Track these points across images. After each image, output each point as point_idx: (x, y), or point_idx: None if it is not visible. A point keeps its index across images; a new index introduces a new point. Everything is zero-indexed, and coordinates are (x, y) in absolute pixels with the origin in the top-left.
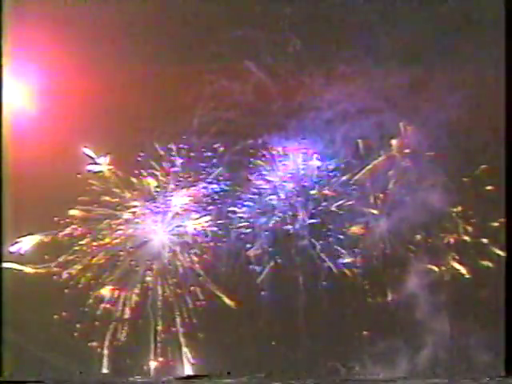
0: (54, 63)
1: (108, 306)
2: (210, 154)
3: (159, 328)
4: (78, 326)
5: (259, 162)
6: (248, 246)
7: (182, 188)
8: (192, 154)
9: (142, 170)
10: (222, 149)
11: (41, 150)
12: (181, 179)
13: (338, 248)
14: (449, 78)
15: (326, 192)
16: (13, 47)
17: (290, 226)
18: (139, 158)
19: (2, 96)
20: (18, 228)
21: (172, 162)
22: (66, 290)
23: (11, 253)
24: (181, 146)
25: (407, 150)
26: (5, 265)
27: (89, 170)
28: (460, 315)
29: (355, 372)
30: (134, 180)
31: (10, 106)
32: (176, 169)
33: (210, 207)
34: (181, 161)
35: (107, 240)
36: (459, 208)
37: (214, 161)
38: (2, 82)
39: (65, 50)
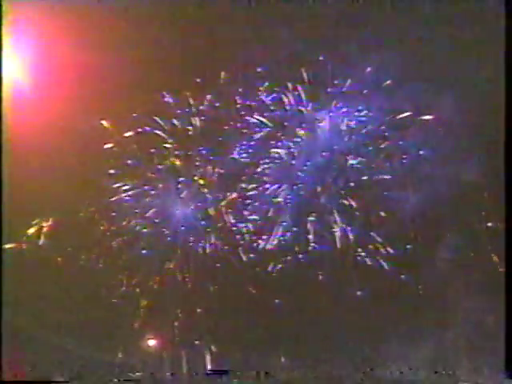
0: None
1: (126, 290)
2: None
3: (179, 314)
4: (96, 310)
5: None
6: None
7: (207, 165)
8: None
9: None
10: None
11: (56, 130)
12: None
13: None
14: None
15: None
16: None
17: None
18: (159, 132)
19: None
20: (33, 211)
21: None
22: (82, 274)
23: (28, 235)
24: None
25: (441, 128)
26: (23, 247)
27: (107, 148)
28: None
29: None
30: (155, 159)
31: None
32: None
33: (235, 183)
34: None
35: (125, 222)
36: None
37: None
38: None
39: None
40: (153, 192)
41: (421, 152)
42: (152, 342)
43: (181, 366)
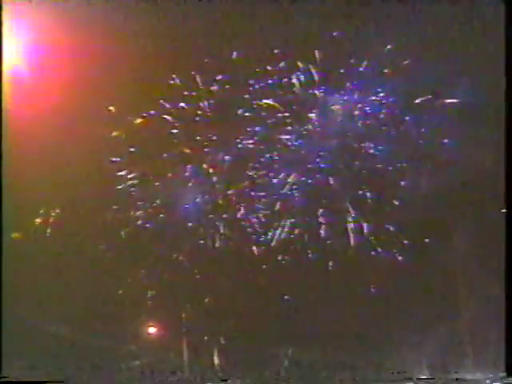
0: None
1: (134, 281)
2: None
3: (187, 306)
4: (104, 303)
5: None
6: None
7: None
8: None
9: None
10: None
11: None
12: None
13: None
14: None
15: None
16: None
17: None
18: (168, 117)
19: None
20: (40, 201)
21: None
22: (90, 265)
23: (36, 226)
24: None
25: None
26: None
27: (115, 135)
28: None
29: None
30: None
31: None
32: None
33: (245, 172)
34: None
35: (133, 212)
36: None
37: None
38: None
39: None
40: (160, 180)
41: (444, 140)
42: (158, 334)
43: (187, 358)
